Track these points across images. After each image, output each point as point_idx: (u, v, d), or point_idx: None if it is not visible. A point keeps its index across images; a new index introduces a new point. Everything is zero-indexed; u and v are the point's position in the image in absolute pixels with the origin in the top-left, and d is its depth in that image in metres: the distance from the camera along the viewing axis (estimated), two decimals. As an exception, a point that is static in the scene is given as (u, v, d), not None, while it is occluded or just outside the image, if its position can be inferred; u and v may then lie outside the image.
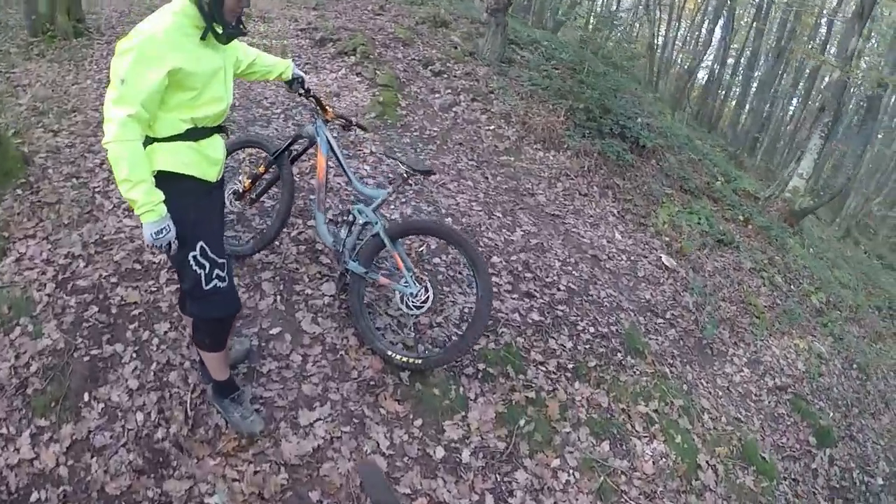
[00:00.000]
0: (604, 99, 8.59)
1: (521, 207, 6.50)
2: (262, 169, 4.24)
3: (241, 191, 4.32)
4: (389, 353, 3.85)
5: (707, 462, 4.43)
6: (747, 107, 24.98)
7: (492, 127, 8.05)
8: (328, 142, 4.00)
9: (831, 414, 6.15)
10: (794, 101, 27.06)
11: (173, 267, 3.25)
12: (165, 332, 3.79)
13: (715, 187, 9.26)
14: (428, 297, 3.75)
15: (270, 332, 3.94)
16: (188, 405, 3.45)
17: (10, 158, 4.86)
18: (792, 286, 7.94)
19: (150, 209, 2.57)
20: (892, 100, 22.19)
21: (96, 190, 4.81)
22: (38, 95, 6.31)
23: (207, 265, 2.85)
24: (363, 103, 7.40)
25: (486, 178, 6.83)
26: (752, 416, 5.46)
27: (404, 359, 3.82)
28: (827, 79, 21.31)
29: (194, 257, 2.82)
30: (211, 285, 2.89)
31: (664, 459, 4.23)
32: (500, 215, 6.09)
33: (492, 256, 5.29)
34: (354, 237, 3.96)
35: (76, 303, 3.85)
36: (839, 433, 5.95)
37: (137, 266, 4.18)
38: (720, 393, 5.41)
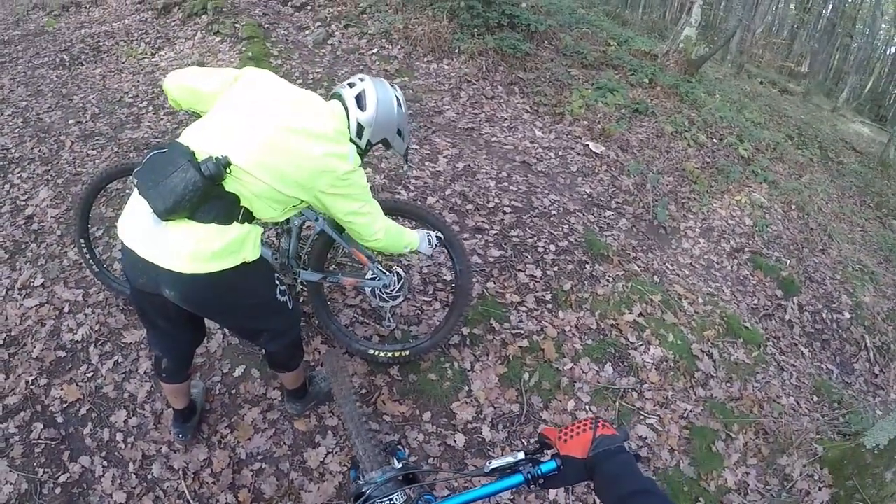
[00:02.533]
0: (483, -9, 8.03)
1: (434, 131, 6.08)
2: None
3: None
4: (372, 351, 3.44)
5: (701, 350, 4.30)
6: None
7: (374, 50, 7.51)
8: None
9: (788, 262, 6.15)
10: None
11: (256, 332, 2.70)
12: (126, 422, 3.24)
13: (610, 54, 8.99)
14: (403, 283, 3.31)
15: (234, 374, 3.47)
16: (188, 496, 2.97)
17: None
18: (715, 140, 7.85)
19: (419, 236, 2.81)
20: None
21: None
22: None
23: (285, 287, 2.61)
24: (233, 64, 6.70)
25: (388, 107, 6.31)
26: (721, 286, 5.38)
27: (389, 354, 3.43)
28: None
29: (281, 291, 2.56)
30: (292, 301, 2.67)
31: (665, 363, 4.07)
32: (417, 146, 5.66)
33: (427, 198, 4.88)
34: (295, 242, 3.28)
35: (16, 428, 3.21)
36: (800, 279, 5.96)
37: (61, 353, 3.56)
38: (687, 272, 5.28)
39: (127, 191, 4.60)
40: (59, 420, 3.24)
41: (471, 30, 7.93)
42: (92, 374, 3.45)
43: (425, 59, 7.56)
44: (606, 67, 8.61)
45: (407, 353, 3.44)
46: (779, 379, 4.50)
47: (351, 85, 2.51)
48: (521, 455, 1.47)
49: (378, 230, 2.46)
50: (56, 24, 8.87)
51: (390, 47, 7.60)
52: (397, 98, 2.58)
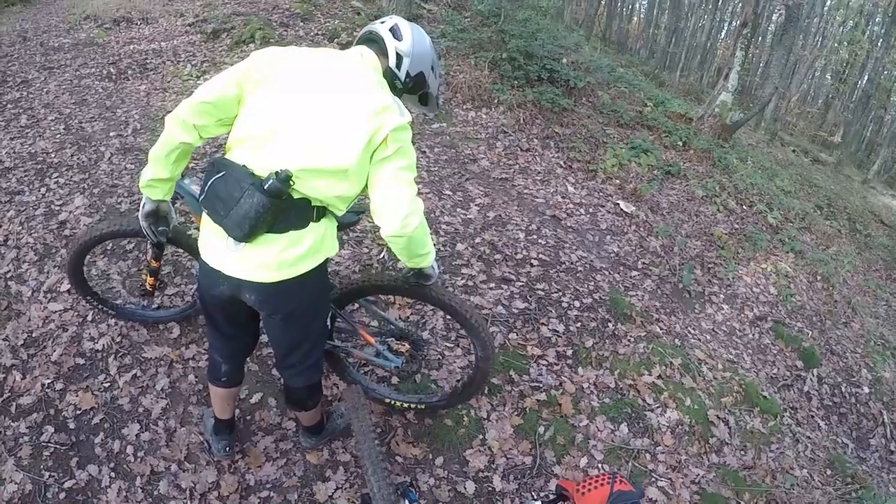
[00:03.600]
0: (527, 45, 8.24)
1: (467, 179, 6.22)
2: (154, 262, 3.34)
3: (148, 289, 3.47)
4: (388, 400, 3.49)
5: (717, 416, 4.31)
6: (662, 25, 24.80)
7: (415, 94, 7.64)
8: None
9: (810, 333, 6.16)
10: (706, 16, 27.12)
11: (302, 354, 2.67)
12: (137, 436, 3.28)
13: (646, 115, 9.12)
14: (416, 365, 3.34)
15: (251, 400, 3.53)
16: None
17: None
18: (745, 207, 7.91)
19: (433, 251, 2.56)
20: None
21: (8, 276, 4.20)
22: None
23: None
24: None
25: (424, 152, 6.50)
26: (741, 353, 5.41)
27: (405, 404, 3.48)
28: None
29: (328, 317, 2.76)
30: None
31: (680, 426, 4.10)
32: (450, 192, 5.80)
33: (456, 245, 5.01)
34: None
35: (27, 428, 3.26)
36: (821, 351, 5.97)
37: (80, 361, 3.62)
38: (708, 337, 5.32)
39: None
40: (71, 426, 3.28)
41: (511, 81, 8.11)
42: (109, 384, 3.50)
43: (464, 107, 7.74)
44: (641, 128, 8.75)
45: (422, 406, 3.49)
46: (793, 450, 4.50)
47: (382, 22, 2.44)
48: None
49: (416, 211, 2.22)
50: (106, 37, 9.22)
51: (431, 92, 7.76)
52: (427, 36, 2.51)
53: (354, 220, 2.93)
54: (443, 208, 5.49)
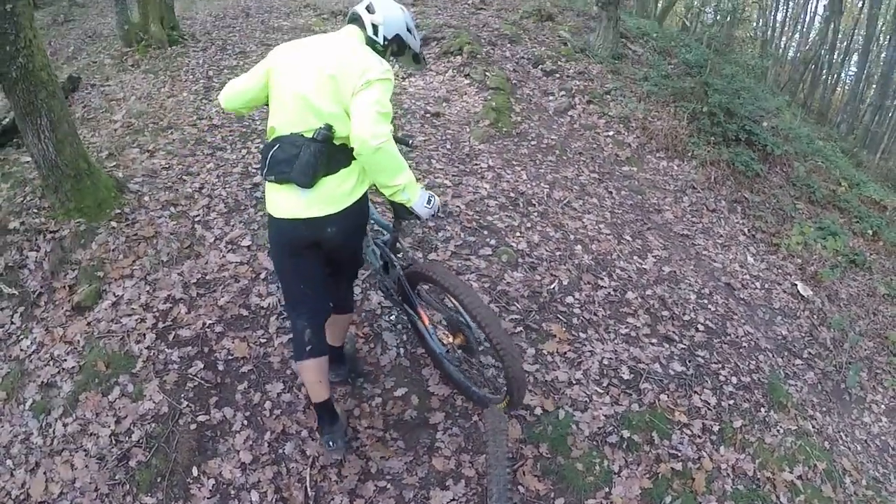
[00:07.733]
0: (729, 102, 8.16)
1: (649, 228, 6.28)
2: None
3: None
4: (479, 392, 3.56)
5: (848, 537, 4.14)
6: (867, 101, 23.27)
7: (611, 133, 7.80)
8: None
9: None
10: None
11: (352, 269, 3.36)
12: (279, 395, 3.51)
13: (839, 195, 8.79)
14: (466, 355, 3.47)
15: (395, 393, 3.69)
16: (308, 483, 3.16)
17: (103, 187, 4.58)
18: (928, 315, 7.48)
19: (419, 188, 2.82)
20: None
21: (196, 220, 4.66)
22: (132, 111, 6.35)
23: None
24: (475, 109, 7.26)
25: (611, 192, 6.62)
26: (889, 474, 5.13)
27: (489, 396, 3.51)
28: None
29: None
30: None
31: (807, 538, 3.95)
32: (630, 238, 5.89)
33: (626, 292, 5.08)
34: (391, 274, 3.49)
35: (179, 357, 3.63)
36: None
37: (244, 312, 3.97)
38: (859, 448, 5.12)
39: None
40: (220, 368, 3.61)
41: (707, 136, 8.06)
42: (265, 340, 3.80)
43: (657, 154, 7.79)
44: (833, 208, 8.45)
45: (503, 404, 3.33)
46: None
47: (362, 4, 3.01)
48: None
49: (384, 132, 2.57)
50: (323, 26, 10.10)
51: (626, 133, 7.88)
52: (401, 6, 3.05)
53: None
54: (620, 252, 5.56)
